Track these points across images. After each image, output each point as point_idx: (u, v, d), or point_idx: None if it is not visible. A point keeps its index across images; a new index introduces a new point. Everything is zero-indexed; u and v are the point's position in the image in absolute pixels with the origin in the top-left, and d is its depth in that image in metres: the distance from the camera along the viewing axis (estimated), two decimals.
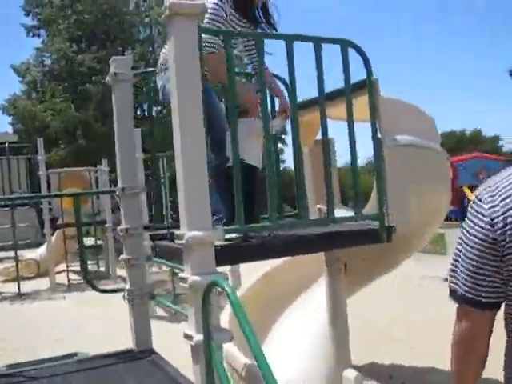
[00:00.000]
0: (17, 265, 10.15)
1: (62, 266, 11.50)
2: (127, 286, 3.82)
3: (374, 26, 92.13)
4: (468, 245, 1.52)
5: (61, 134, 17.14)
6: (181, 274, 2.59)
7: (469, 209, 1.55)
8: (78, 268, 11.39)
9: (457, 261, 1.57)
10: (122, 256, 3.85)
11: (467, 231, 1.54)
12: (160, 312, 7.95)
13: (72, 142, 16.74)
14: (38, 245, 12.08)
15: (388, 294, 7.99)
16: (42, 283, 11.12)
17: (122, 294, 3.87)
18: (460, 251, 1.56)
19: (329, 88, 3.32)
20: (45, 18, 19.83)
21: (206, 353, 2.40)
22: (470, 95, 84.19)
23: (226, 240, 2.95)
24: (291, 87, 3.11)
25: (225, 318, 4.29)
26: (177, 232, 2.57)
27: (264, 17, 3.49)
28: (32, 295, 10.27)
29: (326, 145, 3.15)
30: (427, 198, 3.61)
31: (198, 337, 2.43)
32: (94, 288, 4.32)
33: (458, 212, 23.90)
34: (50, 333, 7.07)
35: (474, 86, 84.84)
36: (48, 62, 20.41)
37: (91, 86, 16.53)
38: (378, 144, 3.21)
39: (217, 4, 3.18)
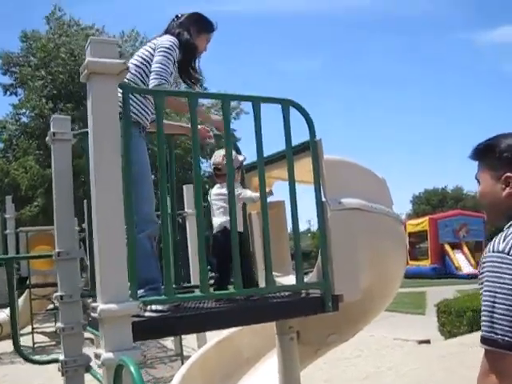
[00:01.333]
0: (14, 329, 9.71)
1: (29, 328, 11.07)
2: (61, 357, 3.56)
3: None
4: (506, 294, 1.58)
5: (31, 192, 17.01)
6: (94, 350, 2.39)
7: (492, 264, 1.63)
8: (47, 329, 11.01)
9: (492, 312, 1.60)
10: (56, 325, 3.60)
11: (500, 283, 1.60)
12: None
13: (42, 199, 16.61)
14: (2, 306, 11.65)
15: (359, 358, 7.73)
16: (6, 346, 10.66)
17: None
18: (494, 302, 1.60)
19: (281, 147, 3.23)
20: (21, 77, 20.03)
21: None
22: (450, 151, 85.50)
23: (157, 311, 2.77)
24: (227, 147, 2.96)
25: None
26: (92, 304, 2.38)
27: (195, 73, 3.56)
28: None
29: (264, 209, 3.01)
30: (379, 264, 3.43)
31: None
32: (26, 359, 4.06)
33: (439, 269, 23.89)
34: None
35: (453, 142, 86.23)
36: (24, 119, 20.52)
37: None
38: (321, 208, 3.06)
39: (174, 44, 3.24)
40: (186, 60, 3.41)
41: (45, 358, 4.07)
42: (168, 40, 3.25)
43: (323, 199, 3.07)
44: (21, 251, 12.31)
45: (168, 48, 3.21)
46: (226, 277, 3.30)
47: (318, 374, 6.86)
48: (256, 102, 2.99)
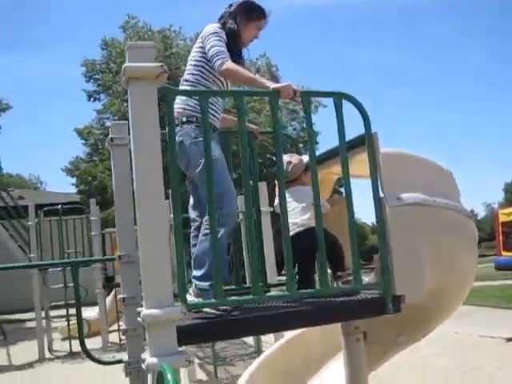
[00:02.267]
0: (68, 324, 10.18)
1: (115, 326, 11.48)
2: (125, 358, 3.61)
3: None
4: None
5: None
6: (142, 355, 2.38)
7: None
8: None
9: None
10: (121, 326, 3.66)
11: None
12: (200, 375, 7.67)
13: None
14: (91, 304, 12.15)
15: (441, 356, 7.42)
16: (95, 342, 11.10)
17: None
18: None
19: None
20: (104, 83, 20.77)
21: None
22: None
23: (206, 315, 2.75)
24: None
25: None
26: (137, 309, 2.38)
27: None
28: (82, 355, 10.21)
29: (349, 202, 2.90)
30: (445, 261, 3.24)
31: None
32: (91, 358, 4.16)
33: None
34: None
35: None
36: (108, 123, 21.26)
37: None
38: (379, 204, 2.92)
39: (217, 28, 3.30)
40: (229, 49, 3.36)
41: (111, 359, 4.15)
42: (210, 26, 3.30)
43: (381, 195, 2.93)
44: (107, 252, 12.81)
45: (213, 32, 3.25)
46: (308, 275, 3.27)
47: (397, 373, 6.64)
48: (306, 96, 2.89)
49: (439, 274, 3.20)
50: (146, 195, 2.32)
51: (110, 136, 3.78)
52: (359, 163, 3.16)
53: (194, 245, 3.21)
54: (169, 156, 2.61)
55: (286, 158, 3.53)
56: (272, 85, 2.91)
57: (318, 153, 3.84)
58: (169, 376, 1.96)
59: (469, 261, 3.48)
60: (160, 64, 2.35)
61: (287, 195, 3.39)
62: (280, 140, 2.79)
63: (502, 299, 14.19)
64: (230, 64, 3.11)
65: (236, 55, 3.40)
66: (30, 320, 13.31)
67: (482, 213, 66.09)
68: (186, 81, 3.33)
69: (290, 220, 3.33)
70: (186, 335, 2.38)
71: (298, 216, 3.38)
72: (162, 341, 2.25)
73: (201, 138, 3.08)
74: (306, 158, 3.63)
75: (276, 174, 2.84)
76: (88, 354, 4.10)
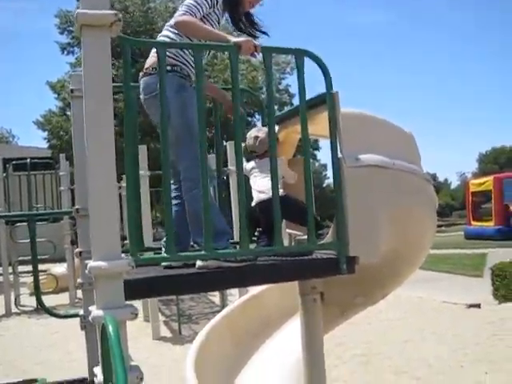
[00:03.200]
0: (35, 279, 10.10)
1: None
2: (81, 312, 3.60)
3: None
4: None
5: None
6: (89, 308, 2.36)
7: None
8: None
9: None
10: (78, 280, 3.63)
11: None
12: (165, 332, 7.74)
13: None
14: (61, 260, 12.08)
15: (403, 321, 7.56)
16: (63, 298, 11.11)
17: None
18: None
19: None
20: (78, 36, 20.25)
21: None
22: None
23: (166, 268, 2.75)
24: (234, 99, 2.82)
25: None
26: (86, 261, 2.34)
27: (250, 26, 3.43)
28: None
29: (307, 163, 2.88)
30: (402, 225, 3.25)
31: (100, 378, 2.19)
32: (48, 311, 4.15)
33: (504, 231, 22.99)
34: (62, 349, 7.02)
35: None
36: None
37: (116, 102, 16.65)
38: (337, 164, 2.89)
39: None
40: (232, 16, 3.34)
41: (67, 313, 4.14)
42: None
43: (339, 155, 2.90)
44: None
45: None
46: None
47: (359, 335, 6.77)
48: (267, 52, 2.82)
49: (396, 236, 3.22)
50: (95, 145, 2.26)
51: (71, 87, 3.69)
52: (320, 122, 3.13)
53: (175, 204, 3.14)
54: (125, 109, 2.56)
55: (253, 132, 3.48)
56: (233, 39, 2.83)
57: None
58: (110, 328, 1.94)
59: (427, 225, 3.49)
60: (114, 12, 2.26)
61: (255, 168, 3.38)
62: (237, 95, 2.74)
63: (470, 267, 14.48)
64: (186, 17, 2.99)
65: (241, 22, 3.37)
66: None
67: (455, 182, 66.99)
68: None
69: (256, 188, 3.34)
70: (134, 289, 2.36)
71: (265, 185, 3.32)
72: (109, 294, 2.22)
73: (184, 93, 3.01)
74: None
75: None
76: (45, 308, 4.08)
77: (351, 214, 2.87)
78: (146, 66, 3.15)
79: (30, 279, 11.48)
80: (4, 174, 10.88)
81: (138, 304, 7.93)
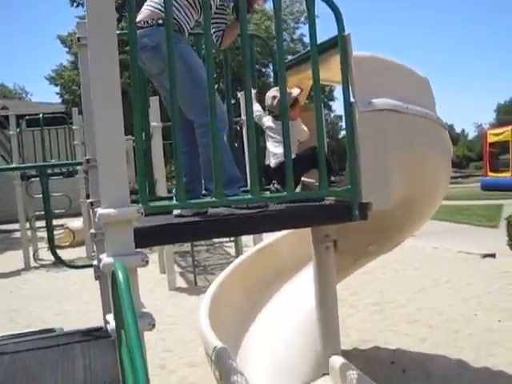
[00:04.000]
0: (50, 234, 10.19)
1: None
2: (95, 262, 3.62)
3: None
4: None
5: None
6: (100, 256, 2.37)
7: None
8: None
9: None
10: (90, 230, 3.65)
11: None
12: (181, 283, 7.83)
13: None
14: (76, 214, 12.20)
15: (418, 270, 7.57)
16: (80, 252, 11.27)
17: None
18: None
19: None
20: None
21: (118, 342, 2.15)
22: None
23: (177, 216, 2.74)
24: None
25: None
26: (95, 209, 2.33)
27: None
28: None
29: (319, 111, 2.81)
30: (416, 171, 3.19)
31: (113, 324, 2.20)
32: (63, 263, 4.19)
33: None
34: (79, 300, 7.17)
35: None
36: None
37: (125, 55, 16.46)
38: (349, 109, 2.82)
39: None
40: None
41: (82, 263, 4.18)
42: None
43: (352, 100, 2.83)
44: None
45: None
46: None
47: (374, 283, 6.80)
48: None
49: (410, 182, 3.17)
50: (101, 94, 2.21)
51: (77, 35, 3.62)
52: (333, 68, 3.04)
53: (185, 152, 3.11)
54: (130, 57, 2.49)
55: (272, 92, 3.41)
56: None
57: None
58: (120, 275, 1.94)
59: (441, 171, 3.43)
60: None
61: (275, 127, 3.31)
62: (246, 40, 2.66)
63: (485, 218, 14.39)
64: None
65: None
66: (17, 230, 13.40)
67: (472, 133, 66.11)
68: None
69: (273, 150, 3.29)
70: (144, 237, 2.35)
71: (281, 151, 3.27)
72: (118, 241, 2.23)
73: (180, 44, 2.94)
74: (294, 92, 3.51)
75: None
76: (59, 259, 4.12)
77: (364, 159, 2.81)
78: (138, 19, 3.05)
79: (45, 234, 11.67)
80: (18, 130, 10.89)
81: (154, 256, 8.16)
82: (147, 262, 2.26)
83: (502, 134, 25.14)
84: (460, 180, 31.19)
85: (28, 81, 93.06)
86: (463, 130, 66.67)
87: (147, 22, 3.00)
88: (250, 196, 2.62)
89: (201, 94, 2.75)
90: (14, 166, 10.25)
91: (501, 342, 4.49)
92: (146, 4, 3.12)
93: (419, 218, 3.71)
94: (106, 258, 2.22)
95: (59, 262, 4.23)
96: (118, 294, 2.05)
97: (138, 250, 2.28)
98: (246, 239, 8.73)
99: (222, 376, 3.31)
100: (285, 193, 2.72)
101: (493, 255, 8.12)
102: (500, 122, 46.02)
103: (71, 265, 4.57)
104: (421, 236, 10.95)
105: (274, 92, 3.39)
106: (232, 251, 9.33)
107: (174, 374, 4.31)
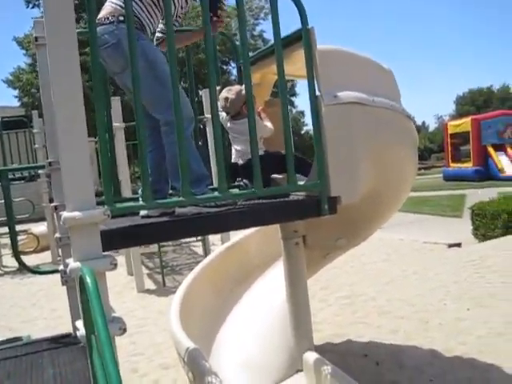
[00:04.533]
0: (13, 240, 9.94)
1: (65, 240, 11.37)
2: (60, 267, 3.53)
3: None
4: None
5: None
6: (67, 260, 2.30)
7: None
8: None
9: None
10: (55, 235, 3.55)
11: None
12: (149, 285, 7.73)
13: None
14: (40, 219, 11.95)
15: (386, 262, 7.64)
16: (45, 257, 11.04)
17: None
18: None
19: None
20: None
21: (89, 348, 2.09)
22: (496, 48, 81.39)
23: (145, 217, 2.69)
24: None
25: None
26: (60, 213, 2.27)
27: None
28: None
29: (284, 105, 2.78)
30: (383, 163, 3.19)
31: (82, 331, 2.13)
32: (27, 269, 4.09)
33: (482, 172, 23.23)
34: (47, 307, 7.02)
35: (501, 37, 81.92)
36: None
37: (85, 56, 16.28)
38: (315, 103, 2.81)
39: None
40: None
41: (47, 269, 4.08)
42: None
43: (317, 93, 2.82)
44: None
45: None
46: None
47: (343, 277, 6.84)
48: None
49: (377, 175, 3.17)
50: (61, 94, 2.15)
51: (34, 35, 3.52)
52: (297, 62, 3.02)
53: (151, 152, 3.06)
54: (91, 51, 2.42)
55: (223, 94, 3.39)
56: None
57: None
58: (88, 280, 1.88)
59: (408, 162, 3.44)
60: None
61: (235, 127, 3.30)
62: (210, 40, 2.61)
63: (449, 208, 14.68)
64: None
65: None
66: None
67: (433, 125, 67.15)
68: None
69: (238, 148, 3.32)
70: (111, 239, 2.29)
71: (245, 148, 3.25)
72: (85, 245, 2.17)
73: (142, 41, 2.87)
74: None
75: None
76: (24, 265, 4.01)
77: (331, 153, 2.81)
78: (100, 16, 2.98)
79: (9, 240, 11.40)
80: None
81: (121, 259, 7.98)
82: (116, 265, 2.20)
83: (461, 124, 25.63)
84: (423, 171, 31.67)
85: None
86: (424, 122, 67.65)
87: (108, 19, 2.93)
88: (217, 194, 2.58)
89: (165, 91, 2.70)
90: None
91: (470, 330, 4.56)
92: (108, 0, 3.05)
93: (387, 209, 3.72)
94: (72, 263, 2.16)
95: (24, 268, 4.11)
96: (86, 298, 2.00)
97: (106, 253, 2.23)
98: (214, 238, 8.69)
99: (196, 377, 3.27)
100: (253, 189, 2.68)
101: (458, 244, 8.26)
102: (460, 114, 46.93)
103: (36, 270, 4.46)
104: (387, 228, 11.07)
105: (224, 94, 3.38)
106: (199, 250, 9.28)
107: (147, 377, 4.25)
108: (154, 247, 9.07)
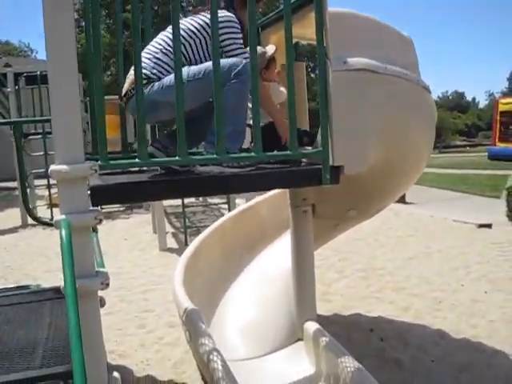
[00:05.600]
0: (49, 192, 10.16)
1: None
2: None
3: None
4: None
5: (104, 62, 17.09)
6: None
7: None
8: None
9: None
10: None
11: None
12: (172, 244, 7.81)
13: (115, 68, 16.71)
14: None
15: (411, 238, 7.51)
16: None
17: None
18: None
19: None
20: None
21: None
22: None
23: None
24: None
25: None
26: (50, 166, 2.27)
27: None
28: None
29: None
30: (395, 134, 3.08)
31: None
32: (36, 219, 4.15)
33: None
34: None
35: None
36: None
37: (126, 13, 16.26)
38: (323, 67, 2.71)
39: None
40: None
41: None
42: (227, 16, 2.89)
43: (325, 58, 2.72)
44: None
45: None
46: None
47: (365, 250, 6.76)
48: None
49: (388, 147, 3.06)
50: (56, 48, 2.15)
51: None
52: (310, 25, 2.91)
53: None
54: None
55: None
56: None
57: None
58: (62, 232, 1.88)
59: (423, 136, 3.31)
60: None
61: None
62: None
63: (488, 187, 14.28)
64: None
65: None
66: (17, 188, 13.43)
67: (483, 102, 65.20)
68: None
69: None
70: (100, 194, 2.29)
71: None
72: (71, 198, 2.16)
73: None
74: (270, 50, 3.40)
75: None
76: (35, 218, 4.08)
77: (337, 121, 2.71)
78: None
79: (46, 192, 11.66)
80: (16, 88, 10.77)
81: (147, 216, 8.14)
82: (101, 221, 2.20)
83: None
84: (468, 149, 30.94)
85: (32, 39, 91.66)
86: (474, 99, 65.84)
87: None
88: (215, 156, 2.54)
89: None
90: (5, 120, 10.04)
91: (483, 313, 4.46)
92: None
93: (401, 183, 3.62)
94: (59, 216, 2.17)
95: (35, 220, 4.18)
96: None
97: (94, 207, 2.24)
98: (240, 201, 8.68)
99: (192, 337, 3.30)
100: (253, 153, 2.63)
101: (489, 225, 8.03)
102: None
103: (47, 222, 4.51)
104: (419, 204, 10.91)
105: None
106: (224, 212, 9.30)
107: (152, 334, 4.30)
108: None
